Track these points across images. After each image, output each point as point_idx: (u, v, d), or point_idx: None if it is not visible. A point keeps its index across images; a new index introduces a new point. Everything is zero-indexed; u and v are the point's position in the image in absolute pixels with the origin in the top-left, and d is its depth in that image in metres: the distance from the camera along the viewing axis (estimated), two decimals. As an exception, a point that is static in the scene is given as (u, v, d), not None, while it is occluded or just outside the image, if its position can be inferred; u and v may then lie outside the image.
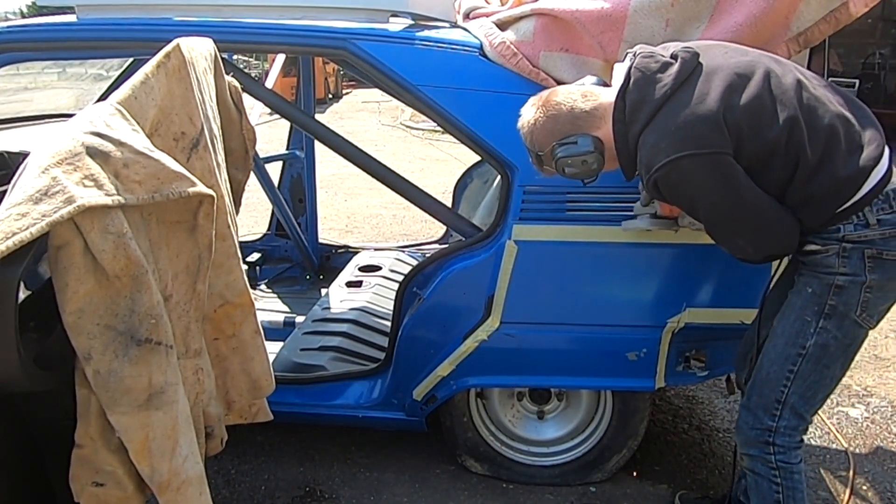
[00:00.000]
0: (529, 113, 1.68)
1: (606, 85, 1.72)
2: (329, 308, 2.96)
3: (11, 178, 1.32)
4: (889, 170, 1.58)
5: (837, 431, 2.70)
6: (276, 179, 3.51)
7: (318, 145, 3.60)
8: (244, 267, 1.75)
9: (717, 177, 1.52)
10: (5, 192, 1.28)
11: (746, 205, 1.54)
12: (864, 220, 1.56)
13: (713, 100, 1.51)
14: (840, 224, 1.57)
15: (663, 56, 1.60)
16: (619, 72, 1.66)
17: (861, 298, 1.60)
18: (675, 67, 1.56)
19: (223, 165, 1.71)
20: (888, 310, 1.68)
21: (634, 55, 1.63)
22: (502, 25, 2.09)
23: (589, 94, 1.67)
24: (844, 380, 3.07)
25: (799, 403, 1.71)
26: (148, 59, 1.51)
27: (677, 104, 1.53)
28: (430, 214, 2.25)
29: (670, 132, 1.52)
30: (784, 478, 1.75)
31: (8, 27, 2.21)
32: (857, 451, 2.59)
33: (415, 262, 3.22)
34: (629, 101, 1.59)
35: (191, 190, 1.38)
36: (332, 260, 3.77)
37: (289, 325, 2.98)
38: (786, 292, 1.74)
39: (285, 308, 3.29)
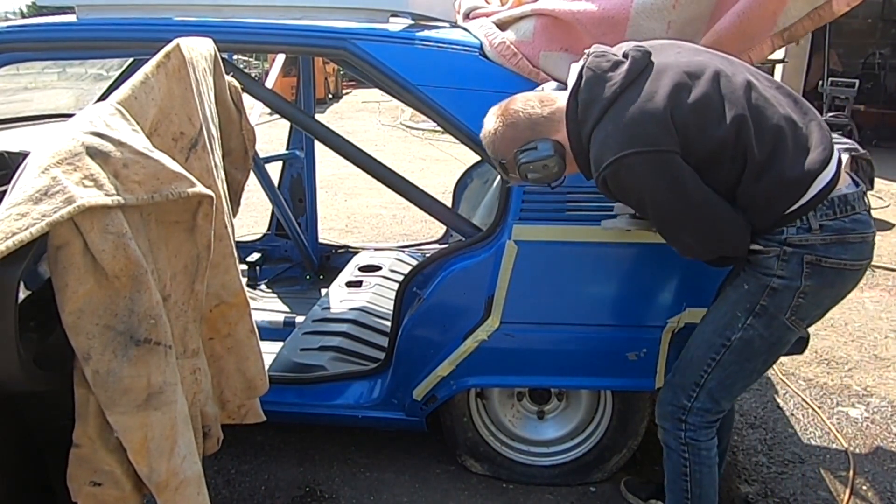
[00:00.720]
0: (490, 123, 1.71)
1: (565, 89, 1.73)
2: (329, 308, 2.96)
3: (11, 178, 1.32)
4: (836, 175, 1.59)
5: (837, 431, 2.70)
6: (276, 179, 3.51)
7: (318, 145, 3.60)
8: (242, 267, 1.75)
9: (663, 175, 1.53)
10: (5, 192, 1.28)
11: (694, 203, 1.55)
12: (807, 225, 1.58)
13: (661, 98, 1.53)
14: (784, 227, 1.59)
15: (615, 55, 1.62)
16: (574, 72, 1.68)
17: (793, 303, 1.63)
18: (626, 66, 1.59)
19: (220, 165, 1.71)
20: (821, 316, 1.73)
21: (588, 55, 1.66)
22: (502, 25, 2.09)
23: (546, 99, 1.70)
24: (845, 380, 3.10)
25: (716, 389, 1.76)
26: (148, 59, 1.52)
27: (626, 102, 1.55)
28: (430, 214, 2.25)
29: (618, 130, 1.54)
30: (692, 454, 1.81)
31: (8, 27, 2.21)
32: (857, 451, 2.59)
33: (415, 262, 3.22)
34: (581, 100, 1.61)
35: (190, 190, 1.38)
36: (332, 260, 3.77)
37: (289, 325, 2.98)
38: None
39: (285, 308, 3.29)
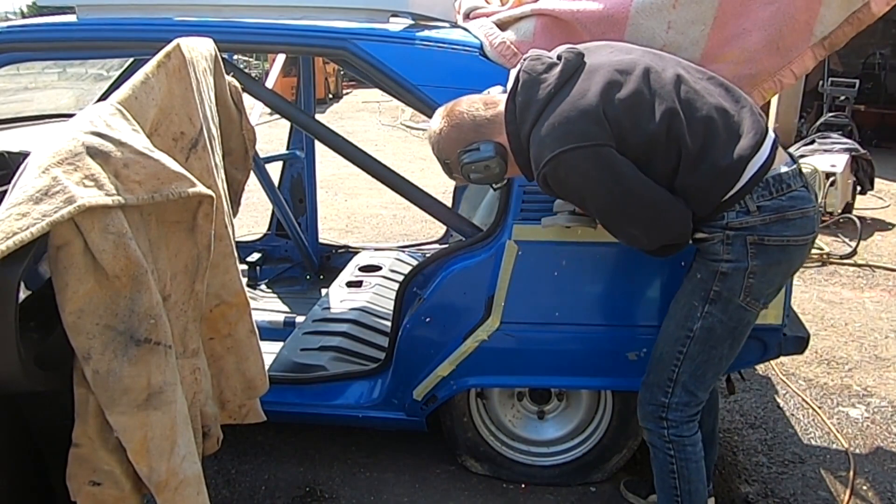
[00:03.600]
0: (436, 123, 1.76)
1: None
2: (329, 308, 2.96)
3: (11, 178, 1.32)
4: (770, 157, 1.63)
5: (837, 431, 2.70)
6: (276, 179, 3.51)
7: (318, 145, 3.60)
8: (242, 267, 1.75)
9: (601, 168, 1.58)
10: (5, 192, 1.28)
11: (633, 194, 1.59)
12: (745, 208, 1.63)
13: (593, 95, 1.58)
14: (724, 212, 1.64)
15: (550, 58, 1.69)
16: (512, 76, 1.73)
17: (744, 284, 1.67)
18: (559, 68, 1.65)
19: (221, 165, 1.71)
20: (776, 292, 1.76)
21: (524, 59, 1.71)
22: (502, 25, 2.09)
23: (490, 101, 1.75)
24: (845, 380, 3.10)
25: (690, 381, 1.78)
26: (148, 59, 1.52)
27: (560, 102, 1.60)
28: (430, 214, 2.25)
29: (554, 128, 1.59)
30: (677, 450, 1.83)
31: (8, 27, 2.21)
32: (858, 451, 2.59)
33: (415, 262, 3.22)
34: (518, 102, 1.67)
35: (190, 190, 1.38)
36: (332, 260, 3.77)
37: (289, 325, 2.98)
38: None
39: (285, 308, 3.29)
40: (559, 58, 1.67)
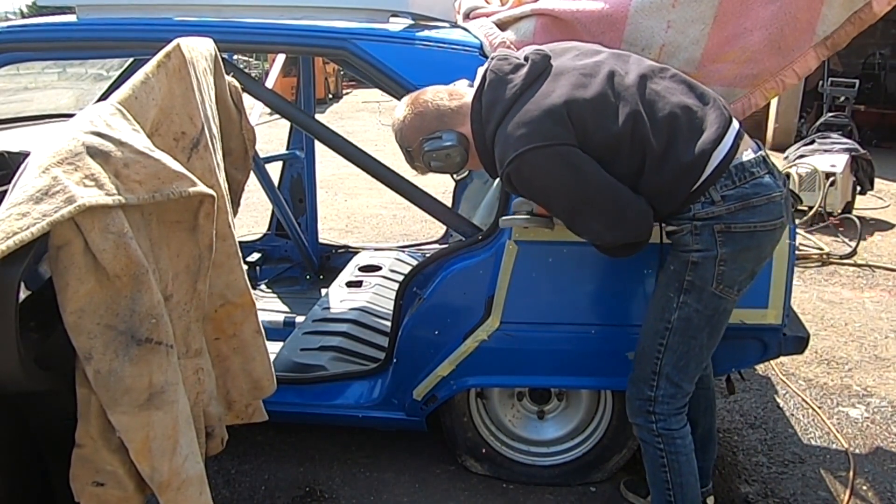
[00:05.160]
0: (400, 111, 1.79)
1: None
2: (329, 308, 2.96)
3: (12, 178, 1.32)
4: (733, 147, 1.66)
5: (837, 431, 2.70)
6: (276, 179, 3.51)
7: (318, 145, 3.60)
8: (244, 267, 1.75)
9: (563, 166, 1.60)
10: (6, 192, 1.28)
11: (595, 190, 1.62)
12: (710, 199, 1.66)
13: (557, 96, 1.61)
14: (690, 205, 1.67)
15: (517, 58, 1.72)
16: (479, 75, 1.75)
17: (716, 272, 1.70)
18: (525, 69, 1.68)
19: (222, 165, 1.71)
20: (750, 279, 1.77)
21: (491, 59, 1.74)
22: (502, 25, 2.10)
23: (456, 93, 1.78)
24: (844, 380, 3.10)
25: (673, 373, 1.80)
26: (148, 59, 1.52)
27: (525, 102, 1.63)
28: (430, 214, 2.25)
29: (518, 128, 1.61)
30: (667, 444, 1.84)
31: (8, 27, 2.21)
32: (857, 451, 2.59)
33: (415, 262, 3.22)
34: (484, 101, 1.69)
35: (191, 190, 1.38)
36: (332, 260, 3.77)
37: (289, 325, 2.98)
38: None
39: (285, 308, 3.29)
40: (526, 59, 1.70)
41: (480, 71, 1.75)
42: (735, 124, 1.69)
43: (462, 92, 1.78)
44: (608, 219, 1.66)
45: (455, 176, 1.80)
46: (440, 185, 4.77)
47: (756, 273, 1.78)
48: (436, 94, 1.76)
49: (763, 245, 1.73)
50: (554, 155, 1.59)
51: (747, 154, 1.68)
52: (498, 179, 2.19)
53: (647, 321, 1.83)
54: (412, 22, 2.28)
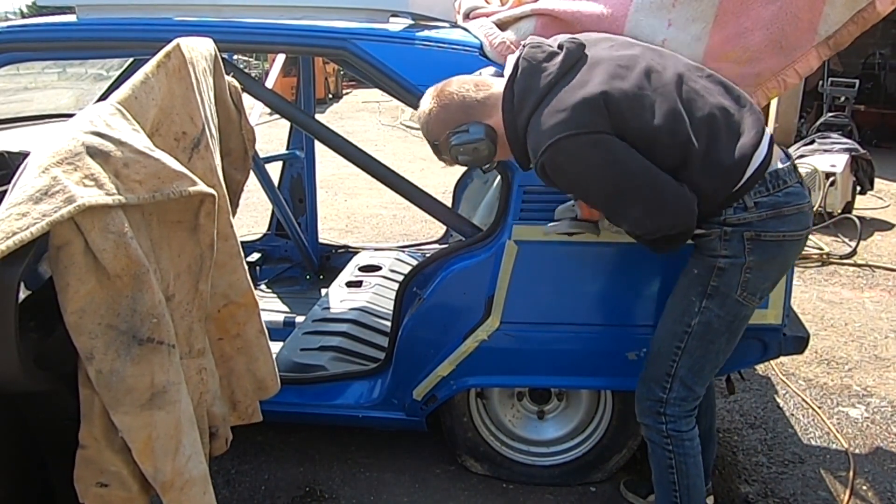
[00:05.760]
0: (426, 104, 1.73)
1: (501, 76, 1.75)
2: (329, 308, 2.96)
3: (11, 178, 1.32)
4: (768, 154, 1.64)
5: (837, 431, 2.70)
6: (276, 179, 3.51)
7: (318, 145, 3.60)
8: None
9: (600, 153, 1.56)
10: (5, 192, 1.28)
11: (632, 175, 1.57)
12: (742, 204, 1.64)
13: (594, 85, 1.57)
14: (723, 209, 1.65)
15: (550, 46, 1.66)
16: (510, 63, 1.70)
17: (741, 279, 1.68)
18: (560, 57, 1.63)
19: (221, 165, 1.71)
20: (772, 287, 1.77)
21: (524, 46, 1.69)
22: (502, 25, 2.09)
23: (482, 84, 1.72)
24: (844, 380, 3.10)
25: (687, 377, 1.79)
26: (148, 59, 1.51)
27: (560, 90, 1.59)
28: (430, 214, 2.25)
29: (552, 116, 1.57)
30: (675, 445, 1.83)
31: (8, 27, 2.21)
32: (857, 451, 2.59)
33: (415, 262, 3.22)
34: (517, 90, 1.64)
35: (192, 189, 1.38)
36: (332, 260, 3.77)
37: (289, 325, 2.98)
38: None
39: (285, 308, 3.29)
40: (560, 47, 1.65)
41: (511, 59, 1.70)
42: (769, 130, 1.67)
43: (489, 82, 1.73)
44: (648, 205, 1.59)
45: (484, 168, 1.77)
46: (440, 186, 4.78)
47: (778, 281, 1.77)
48: (461, 85, 1.70)
49: (789, 254, 1.72)
50: (589, 142, 1.55)
51: (782, 161, 1.67)
52: (498, 179, 2.20)
53: (665, 323, 1.81)
54: (412, 22, 2.28)
